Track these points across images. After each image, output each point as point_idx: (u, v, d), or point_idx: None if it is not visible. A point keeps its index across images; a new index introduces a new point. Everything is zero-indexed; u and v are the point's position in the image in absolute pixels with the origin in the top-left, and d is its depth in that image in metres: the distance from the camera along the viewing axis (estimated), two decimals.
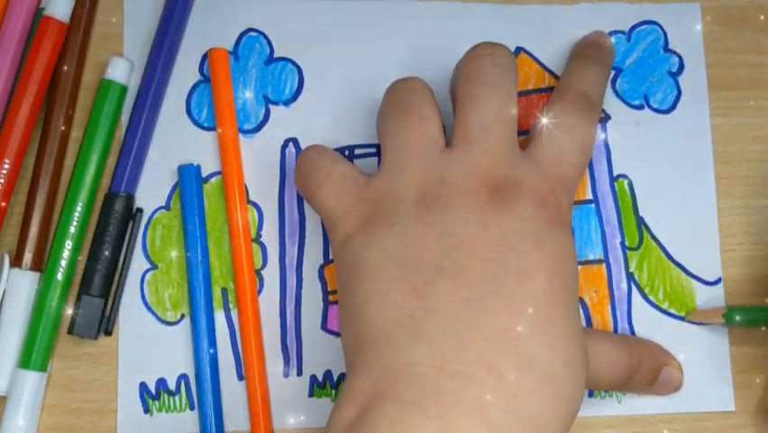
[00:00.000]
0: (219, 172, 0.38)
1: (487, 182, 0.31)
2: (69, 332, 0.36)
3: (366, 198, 0.33)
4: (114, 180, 0.37)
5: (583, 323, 0.38)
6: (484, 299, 0.29)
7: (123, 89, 0.38)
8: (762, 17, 0.40)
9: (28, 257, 0.36)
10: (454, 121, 0.34)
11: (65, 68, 0.37)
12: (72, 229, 0.36)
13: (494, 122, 0.33)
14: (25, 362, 0.35)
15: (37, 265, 0.36)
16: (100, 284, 0.36)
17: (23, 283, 0.36)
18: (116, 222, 0.36)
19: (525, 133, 0.39)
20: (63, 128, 0.37)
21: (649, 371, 0.36)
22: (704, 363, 0.38)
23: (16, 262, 0.36)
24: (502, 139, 0.32)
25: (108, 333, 0.36)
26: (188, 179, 0.37)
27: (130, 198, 0.37)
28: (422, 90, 0.34)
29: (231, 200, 0.37)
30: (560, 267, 0.31)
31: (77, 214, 0.36)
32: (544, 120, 0.34)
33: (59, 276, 0.36)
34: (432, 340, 0.29)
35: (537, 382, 0.29)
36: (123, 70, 0.37)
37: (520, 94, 0.39)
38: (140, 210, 0.37)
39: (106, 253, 0.36)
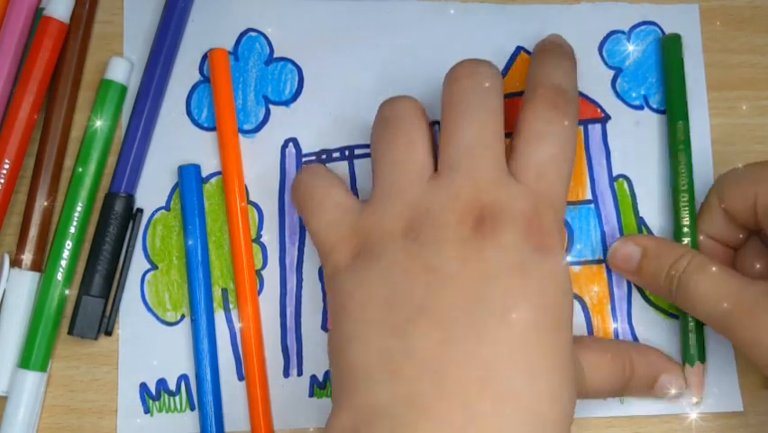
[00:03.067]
0: (219, 172, 0.38)
1: (470, 212, 0.31)
2: (70, 332, 0.36)
3: (358, 231, 0.32)
4: (114, 180, 0.37)
5: (583, 324, 0.38)
6: (463, 340, 0.29)
7: (123, 89, 0.38)
8: (762, 17, 0.40)
9: (28, 257, 0.36)
10: (439, 145, 0.33)
11: (65, 68, 0.37)
12: (72, 229, 0.36)
13: (477, 145, 0.32)
14: (25, 362, 0.35)
15: (37, 265, 0.36)
16: (100, 284, 0.36)
17: (23, 283, 0.36)
18: (116, 222, 0.36)
19: None
20: (63, 128, 0.37)
21: (646, 378, 0.36)
22: (709, 363, 0.37)
23: (16, 262, 0.36)
24: (486, 161, 0.32)
25: (108, 333, 0.36)
26: (188, 179, 0.37)
27: (130, 199, 0.37)
28: (410, 112, 0.33)
29: (231, 200, 0.37)
30: (548, 298, 0.30)
31: (76, 214, 0.36)
32: (519, 130, 0.33)
33: (59, 276, 0.36)
34: (409, 381, 0.28)
35: (519, 420, 0.28)
36: (123, 70, 0.37)
37: (521, 94, 0.39)
38: (140, 210, 0.37)
39: (106, 254, 0.36)
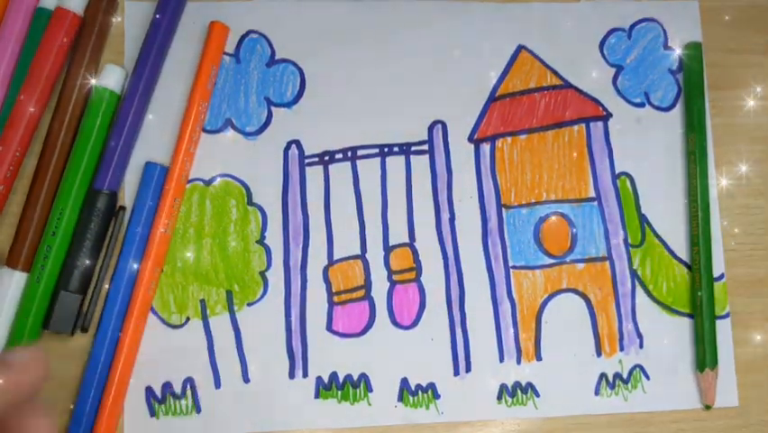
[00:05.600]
0: (223, 174, 0.38)
1: None
2: (45, 327, 0.35)
3: None
4: (98, 177, 0.36)
5: (588, 322, 0.38)
6: None
7: (114, 97, 0.37)
8: (762, 17, 0.40)
9: (21, 257, 0.35)
10: None
11: (75, 65, 0.37)
12: (53, 233, 0.35)
13: None
14: None
15: (27, 266, 0.36)
16: (78, 280, 0.35)
17: (13, 282, 0.35)
18: (98, 219, 0.36)
19: (532, 131, 0.39)
20: (68, 129, 0.36)
21: None
22: None
23: (9, 262, 0.36)
24: None
25: (84, 330, 0.36)
26: (150, 178, 0.37)
27: (113, 196, 0.36)
28: None
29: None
30: None
31: (58, 218, 0.35)
32: None
33: (46, 276, 0.35)
34: None
35: None
36: (117, 78, 0.37)
37: (522, 93, 0.39)
38: (122, 208, 0.37)
39: (86, 250, 0.35)
